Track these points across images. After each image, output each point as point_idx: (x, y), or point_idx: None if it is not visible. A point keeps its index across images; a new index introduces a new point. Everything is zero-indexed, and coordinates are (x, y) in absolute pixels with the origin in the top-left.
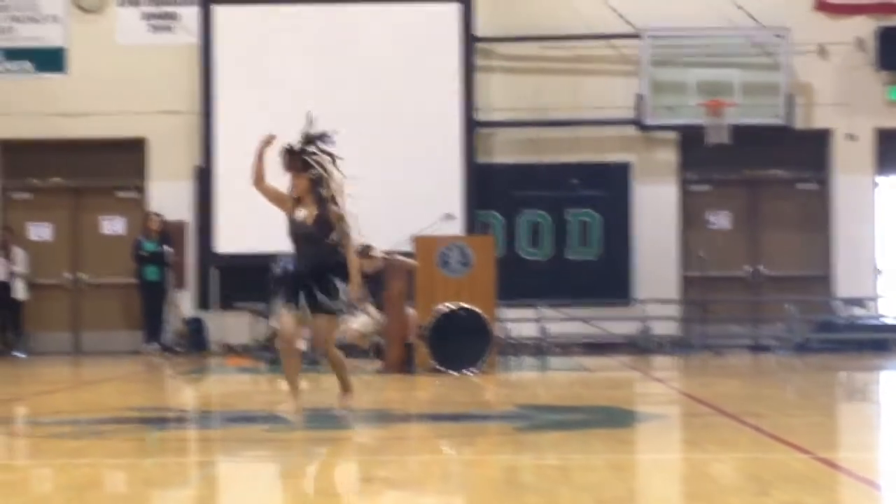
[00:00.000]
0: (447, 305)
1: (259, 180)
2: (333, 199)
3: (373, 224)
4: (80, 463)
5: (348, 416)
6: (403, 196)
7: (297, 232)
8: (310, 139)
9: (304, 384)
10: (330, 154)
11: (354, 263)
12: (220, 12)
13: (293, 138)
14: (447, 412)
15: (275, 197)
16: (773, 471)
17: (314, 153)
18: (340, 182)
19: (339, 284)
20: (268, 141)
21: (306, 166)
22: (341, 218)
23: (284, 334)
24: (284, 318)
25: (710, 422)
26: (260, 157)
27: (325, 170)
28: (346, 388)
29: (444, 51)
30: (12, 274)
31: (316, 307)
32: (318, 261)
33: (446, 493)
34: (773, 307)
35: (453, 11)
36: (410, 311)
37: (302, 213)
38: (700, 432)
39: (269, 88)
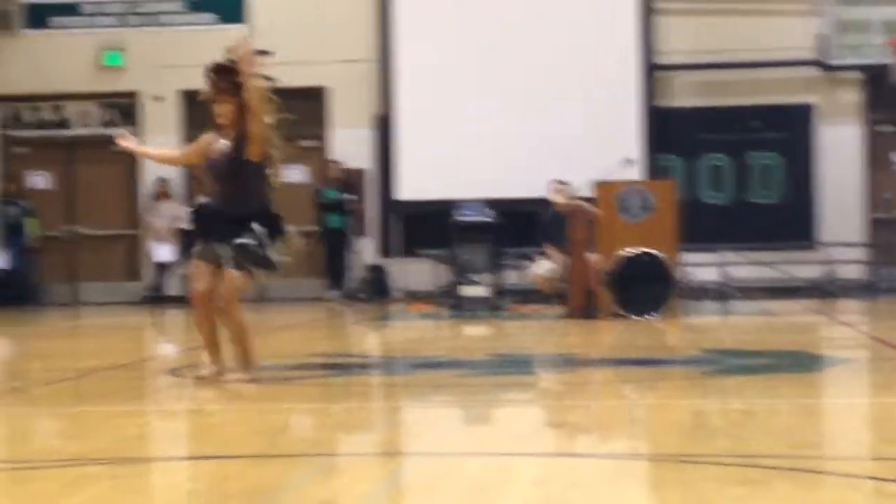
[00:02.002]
0: (629, 250)
1: (173, 160)
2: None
3: (552, 169)
4: (269, 408)
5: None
6: (583, 141)
7: (215, 167)
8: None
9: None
10: (268, 77)
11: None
12: None
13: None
14: (631, 357)
15: (197, 153)
16: None
17: (250, 73)
18: (272, 108)
19: (260, 232)
20: (124, 138)
21: (237, 88)
22: (266, 136)
23: (197, 286)
24: (197, 266)
25: None
26: (145, 152)
27: (259, 94)
28: (246, 360)
29: None
30: None
31: (230, 258)
32: (238, 204)
33: (635, 437)
34: None
35: None
36: (593, 256)
37: (223, 144)
38: (891, 376)
39: (448, 35)
